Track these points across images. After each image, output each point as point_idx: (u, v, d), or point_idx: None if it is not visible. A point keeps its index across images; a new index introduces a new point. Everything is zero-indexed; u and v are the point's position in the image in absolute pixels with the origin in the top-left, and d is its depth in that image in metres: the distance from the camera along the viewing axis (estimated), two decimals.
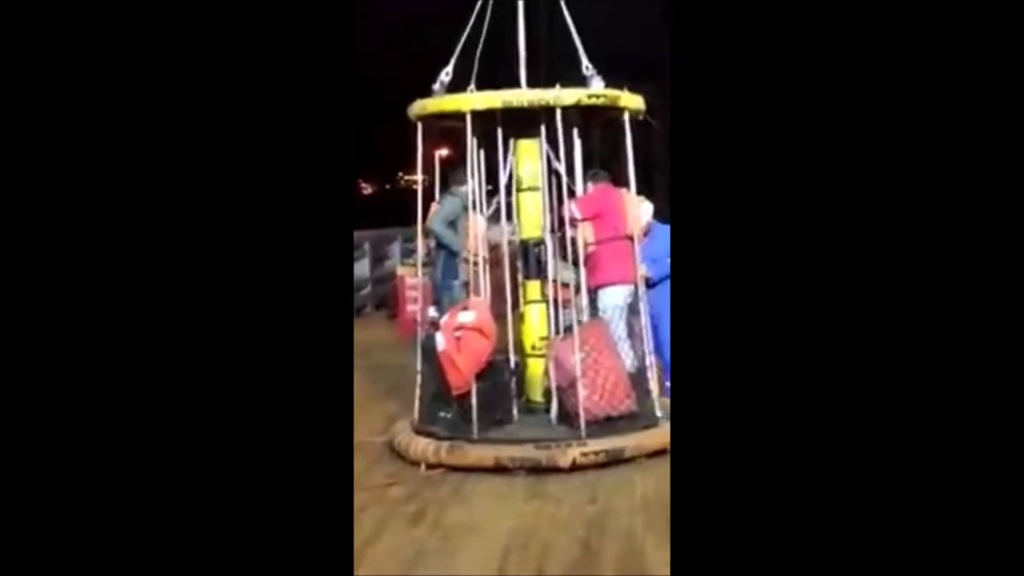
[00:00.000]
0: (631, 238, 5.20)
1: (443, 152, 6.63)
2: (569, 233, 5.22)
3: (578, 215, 5.23)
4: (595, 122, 5.34)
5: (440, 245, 5.85)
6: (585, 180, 5.42)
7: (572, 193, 5.27)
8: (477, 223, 5.35)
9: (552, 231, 5.24)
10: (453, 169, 5.95)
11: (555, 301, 5.25)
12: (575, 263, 5.24)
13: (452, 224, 5.69)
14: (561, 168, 5.13)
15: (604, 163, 5.73)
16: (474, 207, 5.31)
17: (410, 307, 9.39)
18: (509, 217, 5.30)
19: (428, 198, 5.88)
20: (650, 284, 5.39)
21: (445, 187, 5.91)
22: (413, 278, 8.79)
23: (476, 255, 5.22)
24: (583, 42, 5.03)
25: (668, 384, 5.59)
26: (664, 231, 5.61)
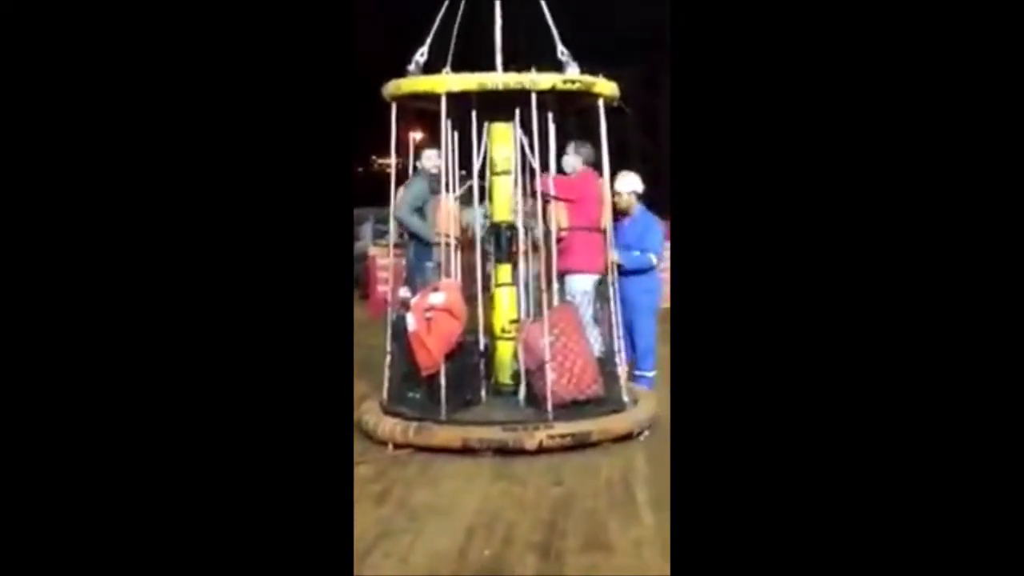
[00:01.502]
0: (604, 231, 5.21)
1: (417, 135, 6.58)
2: (539, 208, 5.20)
3: (552, 191, 5.21)
4: (570, 108, 5.32)
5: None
6: (562, 155, 5.41)
7: (546, 170, 5.25)
8: (448, 205, 5.32)
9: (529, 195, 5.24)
10: (422, 149, 5.91)
11: (453, 245, 5.21)
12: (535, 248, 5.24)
13: (420, 208, 5.64)
14: (535, 152, 5.11)
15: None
16: (446, 189, 5.28)
17: (381, 287, 9.35)
18: (482, 200, 5.28)
19: (402, 179, 5.83)
20: (622, 272, 5.40)
21: (415, 169, 5.87)
22: (384, 258, 8.74)
23: (448, 237, 5.19)
24: (559, 27, 5.01)
25: (637, 372, 5.63)
26: (647, 220, 5.62)
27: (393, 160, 5.66)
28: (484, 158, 5.26)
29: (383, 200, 5.82)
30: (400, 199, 5.65)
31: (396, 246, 6.10)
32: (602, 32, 9.55)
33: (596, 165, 5.43)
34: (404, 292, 5.34)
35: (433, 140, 5.54)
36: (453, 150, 5.24)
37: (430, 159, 5.70)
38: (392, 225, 5.95)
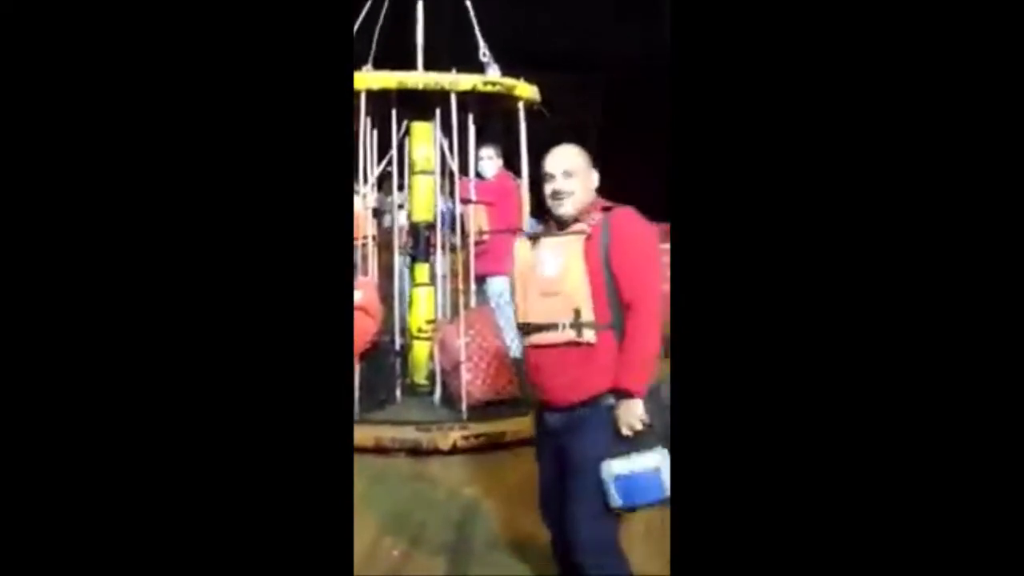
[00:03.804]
0: (521, 231, 5.20)
1: None
2: (459, 210, 5.16)
3: (473, 196, 5.20)
4: (491, 110, 5.30)
5: None
6: (480, 147, 5.40)
7: (466, 173, 5.24)
8: (366, 204, 5.24)
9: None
10: None
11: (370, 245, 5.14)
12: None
13: None
14: (454, 154, 5.08)
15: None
16: (365, 185, 5.20)
17: None
18: (400, 190, 5.25)
19: None
20: None
21: None
22: None
23: (365, 236, 5.10)
24: (482, 29, 5.00)
25: None
26: None
27: None
28: (401, 155, 5.20)
29: None
30: None
31: None
32: (530, 38, 9.58)
33: (514, 168, 5.44)
34: None
35: None
36: (370, 149, 5.16)
37: None
38: None
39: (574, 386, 2.41)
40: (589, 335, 2.38)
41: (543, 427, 2.56)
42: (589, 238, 2.41)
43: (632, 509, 2.40)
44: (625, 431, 2.35)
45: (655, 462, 2.33)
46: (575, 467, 2.42)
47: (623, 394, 2.36)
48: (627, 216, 2.47)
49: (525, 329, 2.50)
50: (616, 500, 2.35)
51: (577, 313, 2.37)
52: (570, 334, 2.38)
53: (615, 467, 2.34)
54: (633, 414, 2.35)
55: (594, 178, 2.52)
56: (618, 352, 2.38)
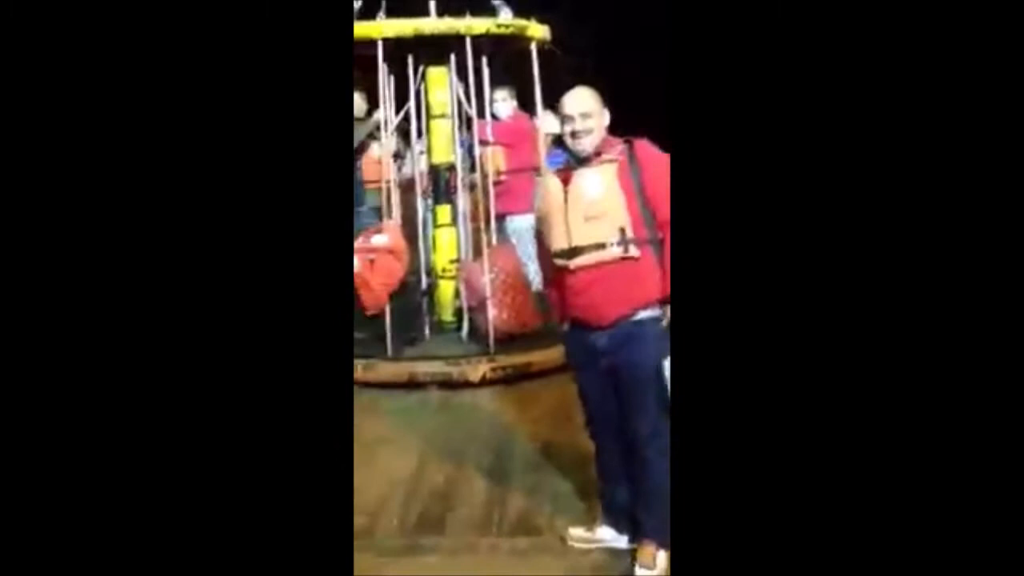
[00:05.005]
0: (538, 170, 5.26)
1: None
2: (477, 151, 5.23)
3: (490, 137, 5.26)
4: (504, 51, 5.34)
5: None
6: (494, 89, 5.44)
7: (482, 116, 5.28)
8: (386, 149, 5.31)
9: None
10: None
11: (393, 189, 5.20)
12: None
13: None
14: (470, 97, 5.13)
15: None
16: (385, 132, 5.27)
17: None
18: (419, 137, 5.29)
19: None
20: None
21: None
22: None
23: (388, 181, 5.19)
24: None
25: None
26: None
27: None
28: (419, 100, 5.24)
29: None
30: None
31: None
32: None
33: (528, 107, 5.48)
34: None
35: (360, 82, 5.46)
36: (390, 95, 5.20)
37: (354, 103, 5.63)
38: None
39: (625, 299, 2.62)
40: (634, 250, 2.59)
41: (590, 350, 2.71)
42: (620, 166, 2.61)
43: None
44: None
45: None
46: (636, 376, 2.64)
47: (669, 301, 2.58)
48: (647, 146, 2.67)
49: (570, 253, 2.63)
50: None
51: (622, 231, 2.58)
52: (618, 251, 2.59)
53: None
54: None
55: (606, 116, 2.70)
56: (658, 267, 2.60)
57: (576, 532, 2.95)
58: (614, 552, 2.85)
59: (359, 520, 3.15)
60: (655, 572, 2.67)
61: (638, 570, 2.68)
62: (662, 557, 2.69)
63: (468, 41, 4.85)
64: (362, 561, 2.80)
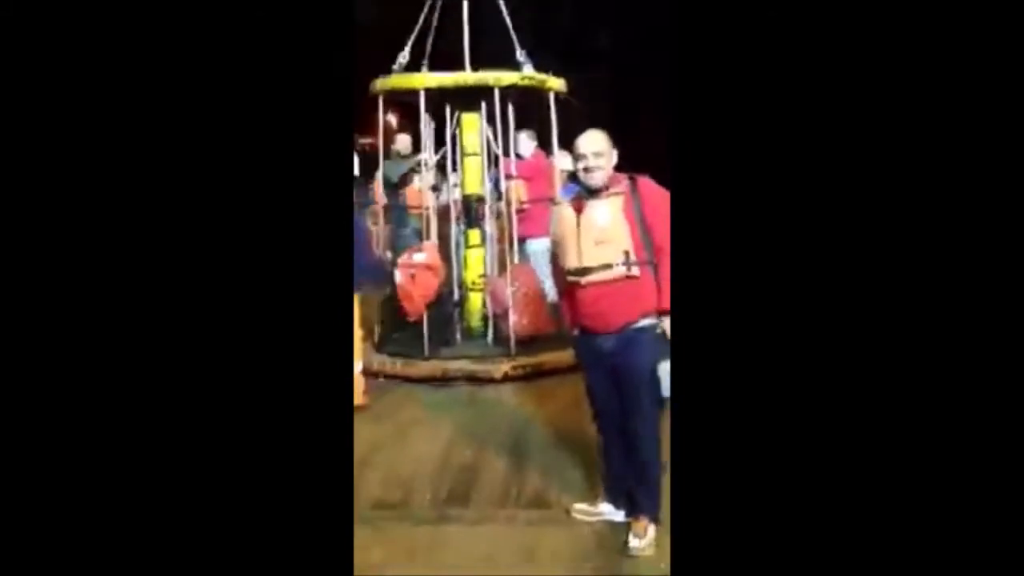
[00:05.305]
0: (554, 200, 5.27)
1: (394, 119, 6.53)
2: (503, 184, 5.25)
3: (514, 172, 5.29)
4: (526, 100, 5.37)
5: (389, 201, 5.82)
6: (517, 132, 5.43)
7: (507, 154, 5.30)
8: (426, 182, 5.34)
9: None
10: (394, 134, 5.94)
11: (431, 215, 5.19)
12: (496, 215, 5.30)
13: (392, 184, 5.66)
14: (498, 138, 5.16)
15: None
16: (424, 168, 5.31)
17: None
18: (454, 170, 5.31)
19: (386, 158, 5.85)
20: None
21: (387, 155, 5.89)
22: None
23: (427, 208, 5.22)
24: (517, 33, 5.02)
25: None
26: None
27: (381, 142, 5.69)
28: (454, 141, 5.27)
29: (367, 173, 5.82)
30: (377, 177, 5.69)
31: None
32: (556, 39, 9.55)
33: (546, 147, 5.50)
34: (388, 254, 5.38)
35: (406, 126, 5.52)
36: (430, 135, 5.24)
37: (401, 142, 5.72)
38: (379, 193, 5.95)
39: (627, 310, 2.62)
40: (635, 270, 2.59)
41: (597, 352, 2.71)
42: (625, 199, 2.61)
43: None
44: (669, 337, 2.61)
45: None
46: (635, 375, 2.65)
47: (665, 313, 2.59)
48: (648, 182, 2.67)
49: (582, 272, 2.64)
50: (668, 390, 2.62)
51: (626, 254, 2.58)
52: (622, 271, 2.59)
53: (667, 366, 2.62)
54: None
55: (614, 155, 2.70)
56: (655, 284, 2.60)
57: (580, 507, 2.94)
58: (612, 524, 2.83)
59: (397, 493, 3.18)
60: (645, 541, 2.65)
61: (631, 540, 2.66)
62: (652, 529, 2.67)
63: (496, 91, 4.87)
64: (398, 528, 2.86)
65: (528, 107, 5.44)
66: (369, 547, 2.66)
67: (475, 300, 5.27)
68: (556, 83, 5.03)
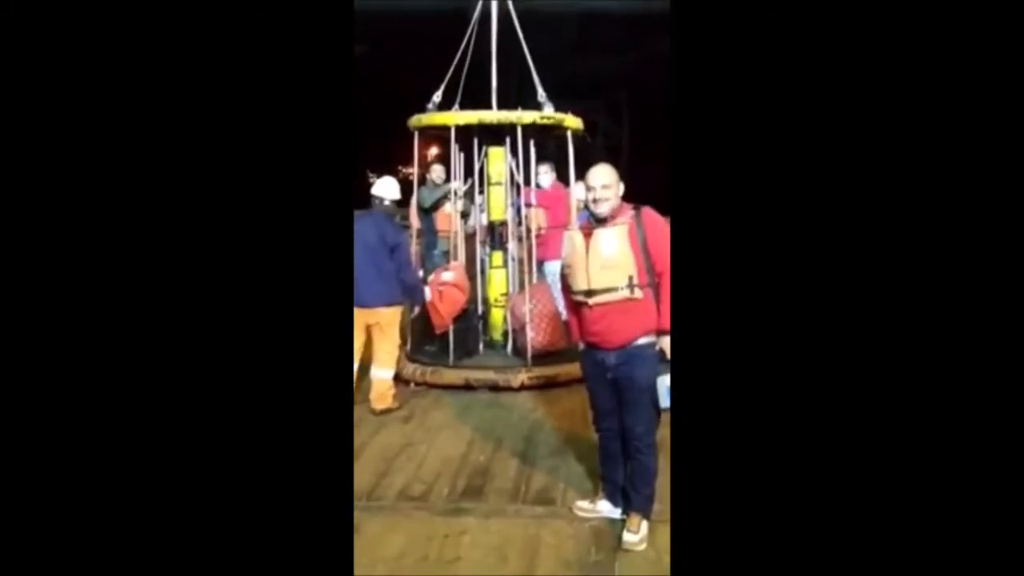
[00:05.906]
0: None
1: (432, 152, 6.74)
2: (524, 212, 5.37)
3: (534, 201, 5.41)
4: (546, 136, 5.48)
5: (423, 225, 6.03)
6: (538, 164, 5.58)
7: (528, 184, 5.44)
8: (455, 208, 5.48)
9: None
10: (431, 164, 6.16)
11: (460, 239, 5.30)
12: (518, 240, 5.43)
13: (427, 210, 5.85)
14: (520, 169, 5.32)
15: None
16: (452, 196, 5.45)
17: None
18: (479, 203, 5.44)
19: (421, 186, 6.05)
20: None
21: (423, 182, 6.09)
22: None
23: (455, 231, 5.37)
24: (539, 75, 5.16)
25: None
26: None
27: (416, 172, 5.89)
28: (482, 173, 5.41)
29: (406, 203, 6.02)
30: (412, 202, 5.89)
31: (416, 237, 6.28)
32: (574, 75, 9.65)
33: (563, 179, 5.64)
34: (419, 272, 5.55)
35: (440, 158, 5.72)
36: (459, 166, 5.36)
37: (435, 172, 5.93)
38: (413, 219, 6.15)
39: (629, 329, 2.71)
40: (638, 293, 2.67)
41: (600, 365, 2.78)
42: (629, 227, 2.69)
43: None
44: (668, 355, 2.69)
45: None
46: (634, 387, 2.72)
47: (664, 332, 2.69)
48: (651, 212, 2.76)
49: (589, 293, 2.70)
50: (665, 401, 2.71)
51: (631, 279, 2.66)
52: (626, 293, 2.67)
53: (667, 380, 2.71)
54: (669, 344, 2.69)
55: (621, 187, 2.78)
56: (655, 305, 2.69)
57: (581, 504, 3.01)
58: (609, 520, 2.90)
59: (419, 487, 3.29)
60: (639, 536, 2.74)
61: (626, 535, 2.75)
62: (644, 526, 2.77)
63: (520, 128, 4.98)
64: (420, 518, 2.98)
65: (548, 143, 5.55)
66: (392, 532, 2.80)
67: (497, 315, 5.36)
68: (573, 122, 5.14)
